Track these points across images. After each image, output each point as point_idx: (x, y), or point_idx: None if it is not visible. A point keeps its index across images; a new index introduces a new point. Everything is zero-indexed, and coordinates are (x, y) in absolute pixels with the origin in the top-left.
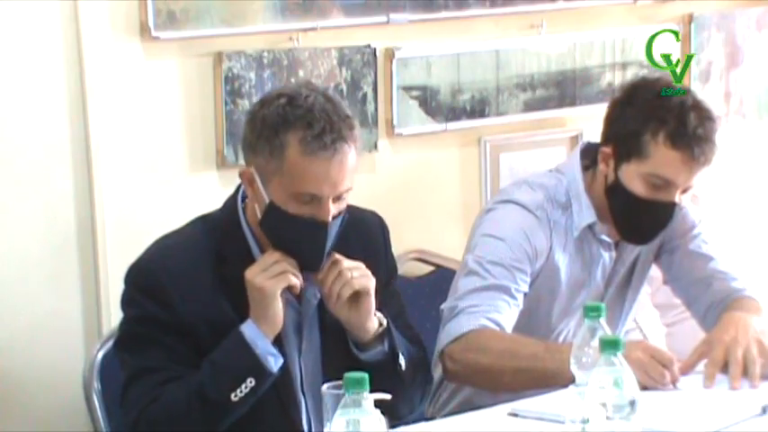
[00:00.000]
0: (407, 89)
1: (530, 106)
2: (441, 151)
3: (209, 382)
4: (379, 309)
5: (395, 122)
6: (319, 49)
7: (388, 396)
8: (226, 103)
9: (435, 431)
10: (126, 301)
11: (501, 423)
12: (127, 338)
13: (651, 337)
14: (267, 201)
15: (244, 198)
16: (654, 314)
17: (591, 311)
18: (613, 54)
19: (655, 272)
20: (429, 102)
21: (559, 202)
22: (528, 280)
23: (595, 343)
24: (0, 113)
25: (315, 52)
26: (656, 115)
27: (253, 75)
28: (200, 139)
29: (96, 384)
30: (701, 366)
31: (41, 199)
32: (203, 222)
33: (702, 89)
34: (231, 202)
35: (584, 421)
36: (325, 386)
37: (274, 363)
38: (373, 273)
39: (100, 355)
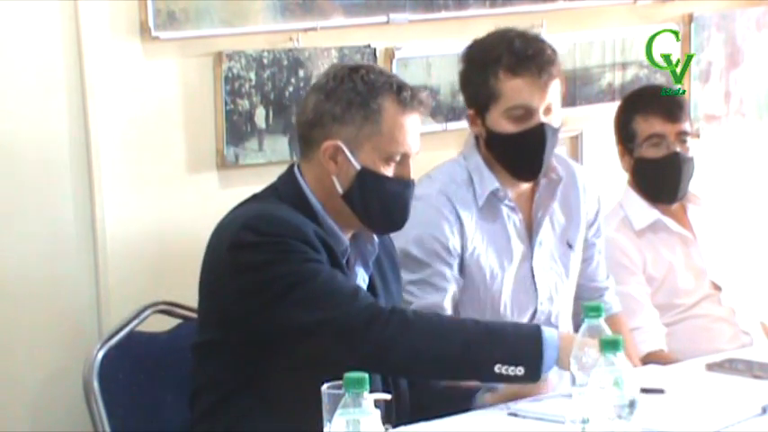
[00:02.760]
0: None
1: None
2: (441, 151)
3: (489, 340)
4: None
5: None
6: (319, 49)
7: (387, 396)
8: (226, 103)
9: (435, 431)
10: (257, 254)
11: (501, 423)
12: (296, 268)
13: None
14: (358, 168)
15: None
16: (654, 313)
17: (591, 311)
18: (613, 54)
19: (656, 272)
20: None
21: (462, 179)
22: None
23: (595, 343)
24: (3, 115)
25: (315, 52)
26: (489, 58)
27: (253, 75)
28: (200, 140)
29: (96, 384)
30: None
31: (42, 199)
32: (270, 196)
33: (702, 89)
34: (290, 180)
35: (585, 421)
36: (324, 386)
37: (546, 372)
38: (397, 282)
39: (100, 355)
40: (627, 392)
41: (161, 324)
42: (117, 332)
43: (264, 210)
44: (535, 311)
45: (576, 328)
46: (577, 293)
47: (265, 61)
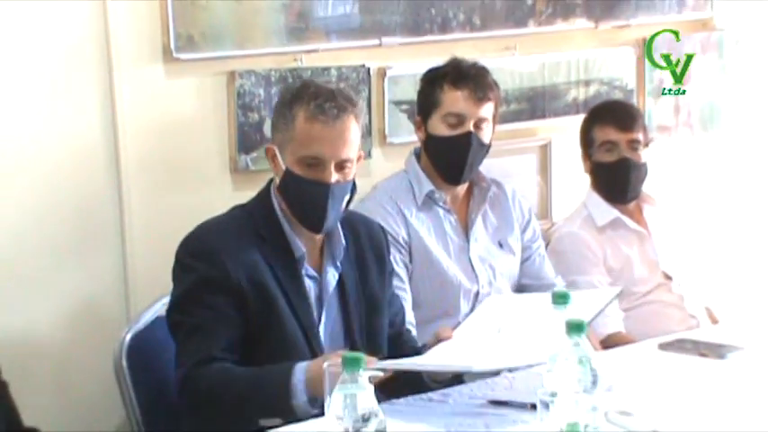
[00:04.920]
0: (398, 103)
1: (504, 118)
2: None
3: (251, 401)
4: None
5: (387, 133)
6: (320, 68)
7: (380, 374)
8: (238, 116)
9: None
10: (178, 270)
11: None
12: (180, 302)
13: None
14: (284, 168)
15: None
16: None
17: (559, 298)
18: (578, 72)
19: (615, 264)
20: (416, 115)
21: (403, 186)
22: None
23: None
24: (41, 125)
25: (316, 71)
26: (438, 74)
27: (262, 91)
28: (216, 148)
29: (125, 364)
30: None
31: (77, 200)
32: (241, 209)
33: (655, 103)
34: (264, 191)
35: (553, 395)
36: (325, 364)
37: (305, 410)
38: (381, 272)
39: (128, 337)
40: (590, 369)
41: None
42: (142, 317)
43: (203, 229)
44: (477, 293)
45: None
46: (521, 288)
47: (273, 79)
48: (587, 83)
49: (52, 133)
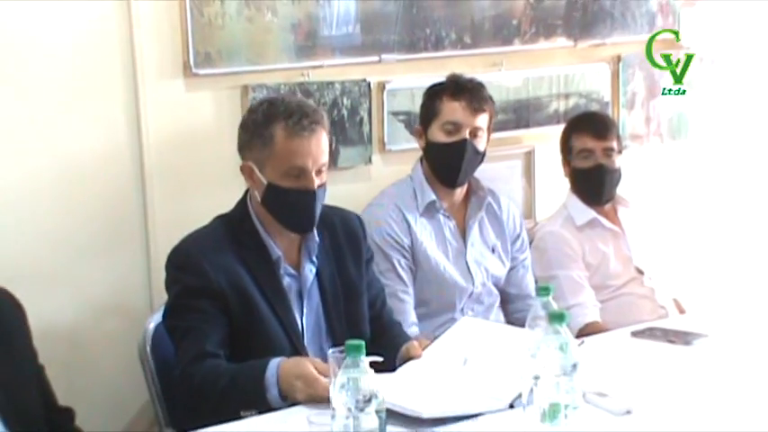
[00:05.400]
0: (395, 114)
1: (493, 127)
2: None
3: (236, 391)
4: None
5: (385, 141)
6: (325, 83)
7: (380, 359)
8: None
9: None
10: (169, 282)
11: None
12: (172, 309)
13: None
14: (265, 183)
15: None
16: (591, 292)
17: (542, 291)
18: (558, 86)
19: (592, 260)
20: (412, 124)
21: (408, 193)
22: (406, 255)
23: (545, 315)
24: (73, 134)
25: (322, 85)
26: (439, 88)
27: None
28: (230, 154)
29: (149, 349)
30: (626, 336)
31: (105, 202)
32: (221, 219)
33: (629, 114)
34: (241, 201)
35: (537, 377)
36: (330, 351)
37: (278, 403)
38: (356, 260)
39: (151, 325)
40: (569, 356)
41: None
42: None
43: (186, 242)
44: (472, 293)
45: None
46: (506, 298)
47: (282, 92)
48: (567, 96)
49: (83, 141)
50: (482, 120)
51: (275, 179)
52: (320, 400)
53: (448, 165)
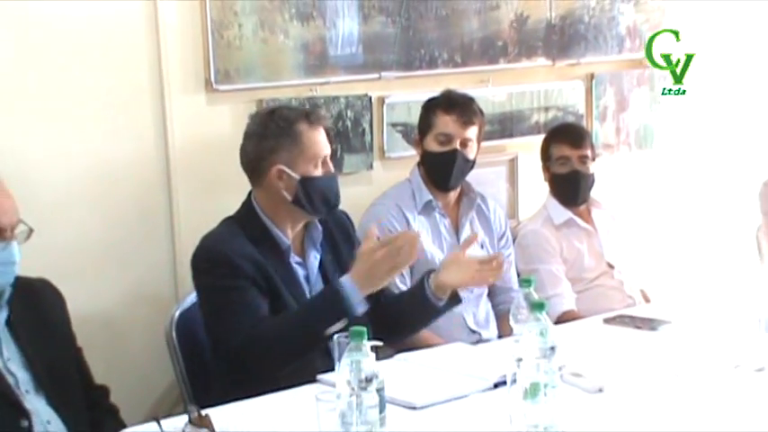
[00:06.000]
0: (394, 125)
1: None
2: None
3: (310, 319)
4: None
5: (385, 149)
6: (331, 97)
7: (380, 343)
8: None
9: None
10: (201, 279)
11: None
12: (213, 298)
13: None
14: (298, 178)
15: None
16: (568, 284)
17: (524, 282)
18: (539, 100)
19: (569, 255)
20: (409, 134)
21: (407, 194)
22: None
23: (527, 305)
24: (107, 142)
25: (328, 99)
26: (434, 102)
27: None
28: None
29: (174, 335)
30: (599, 323)
31: (135, 203)
32: (229, 219)
33: (601, 126)
34: (246, 203)
35: (519, 359)
36: (336, 336)
37: (360, 309)
38: (350, 248)
39: (177, 314)
40: (549, 340)
41: None
42: (188, 298)
43: (211, 237)
44: (460, 301)
45: (497, 317)
46: (492, 290)
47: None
48: (546, 109)
49: (117, 147)
50: (471, 132)
51: (307, 172)
52: (408, 257)
53: (440, 171)
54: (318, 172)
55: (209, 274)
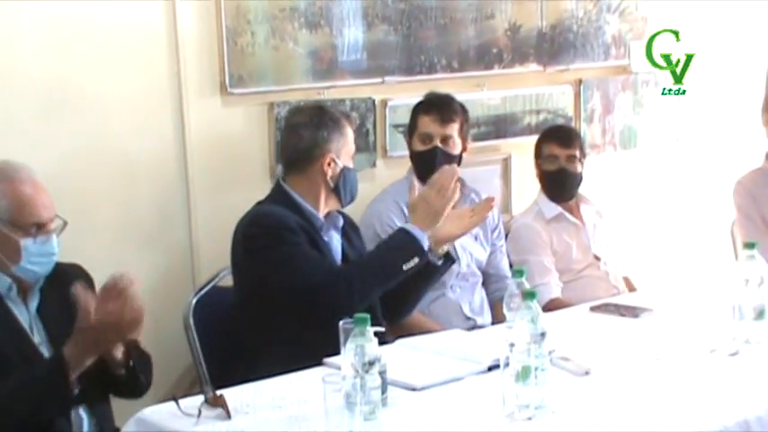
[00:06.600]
0: (396, 126)
1: (476, 138)
2: None
3: (389, 256)
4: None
5: (387, 148)
6: (338, 100)
7: (381, 329)
8: (275, 136)
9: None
10: (256, 240)
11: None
12: (276, 252)
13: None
14: (341, 167)
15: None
16: (556, 274)
17: (517, 273)
18: (531, 104)
19: (558, 248)
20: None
21: (404, 190)
22: None
23: (519, 294)
24: (131, 141)
25: (335, 102)
26: (418, 105)
27: None
28: (258, 159)
29: (191, 321)
30: (585, 311)
31: (156, 196)
32: (262, 204)
33: (588, 127)
34: (278, 189)
35: (512, 344)
36: (341, 322)
37: (425, 243)
38: (358, 238)
39: (194, 300)
40: (539, 327)
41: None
42: (204, 286)
43: (262, 211)
44: (459, 273)
45: (491, 305)
46: (486, 279)
47: (290, 109)
48: (538, 112)
49: (139, 146)
50: (452, 128)
51: (347, 162)
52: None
53: (425, 168)
54: (352, 165)
55: (267, 235)
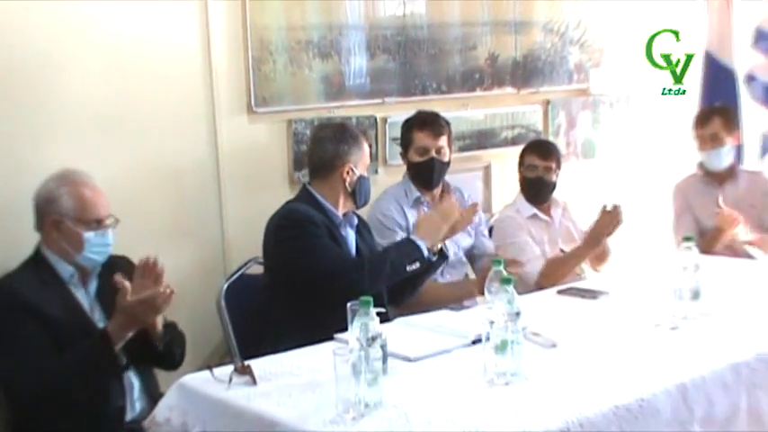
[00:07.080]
0: (394, 139)
1: (462, 149)
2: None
3: (397, 258)
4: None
5: (387, 158)
6: (345, 117)
7: (383, 309)
8: (293, 148)
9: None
10: (286, 231)
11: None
12: (301, 242)
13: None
14: (358, 175)
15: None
16: (538, 250)
17: (495, 262)
18: (507, 120)
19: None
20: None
21: (401, 192)
22: (401, 233)
23: (498, 279)
24: (172, 151)
25: (344, 119)
26: (411, 122)
27: (308, 132)
28: (279, 168)
29: (223, 304)
30: (553, 294)
31: (192, 197)
32: (291, 202)
33: (556, 139)
34: (304, 191)
35: (491, 322)
36: (349, 304)
37: (427, 255)
38: (369, 233)
39: (225, 285)
40: (514, 307)
41: (258, 269)
42: (234, 274)
43: (292, 208)
44: (447, 257)
45: (477, 274)
46: (472, 258)
47: (315, 124)
48: (513, 127)
49: (178, 156)
50: (442, 140)
51: (362, 172)
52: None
53: (424, 176)
54: (366, 174)
55: (295, 228)
